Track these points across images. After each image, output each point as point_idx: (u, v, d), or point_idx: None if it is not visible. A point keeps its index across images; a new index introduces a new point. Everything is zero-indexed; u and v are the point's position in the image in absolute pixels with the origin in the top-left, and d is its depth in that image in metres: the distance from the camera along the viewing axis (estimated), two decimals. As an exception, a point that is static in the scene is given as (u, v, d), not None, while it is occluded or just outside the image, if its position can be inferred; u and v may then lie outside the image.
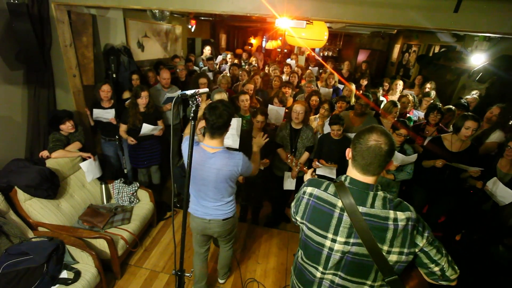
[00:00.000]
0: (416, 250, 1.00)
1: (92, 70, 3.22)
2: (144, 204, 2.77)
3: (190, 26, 6.48)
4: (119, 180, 2.81)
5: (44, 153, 2.46)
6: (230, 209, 1.82)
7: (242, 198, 3.06)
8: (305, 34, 2.69)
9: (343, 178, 1.08)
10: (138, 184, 2.85)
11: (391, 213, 0.98)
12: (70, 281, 1.88)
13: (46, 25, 2.52)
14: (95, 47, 3.37)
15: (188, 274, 1.41)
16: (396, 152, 2.33)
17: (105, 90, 2.84)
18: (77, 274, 1.93)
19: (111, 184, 2.82)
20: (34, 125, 2.75)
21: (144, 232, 2.73)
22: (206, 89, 1.19)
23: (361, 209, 0.99)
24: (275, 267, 2.55)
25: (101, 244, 2.20)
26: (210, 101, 2.03)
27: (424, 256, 1.01)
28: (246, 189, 2.90)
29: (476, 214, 2.41)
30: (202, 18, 6.62)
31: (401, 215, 0.97)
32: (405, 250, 0.98)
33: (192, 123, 1.08)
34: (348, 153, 1.08)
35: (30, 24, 2.30)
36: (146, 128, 2.73)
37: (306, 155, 2.70)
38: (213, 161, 1.61)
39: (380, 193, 1.02)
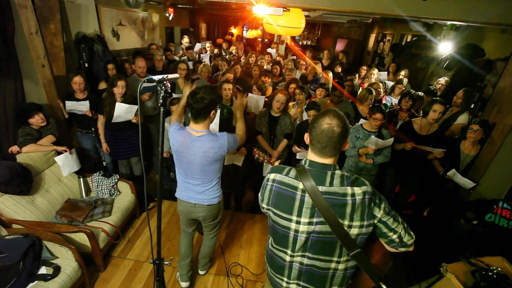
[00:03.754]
0: (375, 221, 1.07)
1: (63, 60, 3.05)
2: (125, 196, 2.74)
3: (167, 14, 6.26)
4: (98, 173, 2.75)
5: (14, 148, 2.35)
6: (215, 195, 1.85)
7: (224, 186, 3.09)
8: (282, 21, 2.70)
9: (303, 162, 1.12)
10: (118, 176, 2.80)
11: (349, 189, 1.03)
12: (49, 277, 1.85)
13: (6, 11, 2.35)
14: (65, 36, 3.19)
15: (167, 262, 1.41)
16: (374, 137, 2.44)
17: (77, 82, 2.72)
18: (57, 269, 1.90)
19: (90, 177, 2.75)
20: (1, 119, 2.59)
21: (127, 223, 2.70)
22: (176, 75, 1.16)
23: (320, 188, 1.03)
24: (258, 250, 2.64)
25: (81, 238, 2.17)
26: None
27: (383, 226, 1.09)
28: (228, 177, 2.93)
29: (441, 192, 2.61)
30: (180, 6, 6.41)
31: (357, 190, 1.02)
32: (365, 223, 1.05)
33: (162, 109, 1.05)
34: (307, 138, 1.12)
35: (-13, 10, 2.15)
36: (120, 108, 2.61)
37: (284, 142, 2.77)
38: (199, 144, 1.63)
39: (338, 172, 1.07)
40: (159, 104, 1.01)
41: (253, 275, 2.39)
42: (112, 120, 2.67)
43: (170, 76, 1.04)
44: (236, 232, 2.85)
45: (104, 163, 3.01)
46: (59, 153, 2.58)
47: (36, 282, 1.82)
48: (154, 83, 1.04)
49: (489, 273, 1.56)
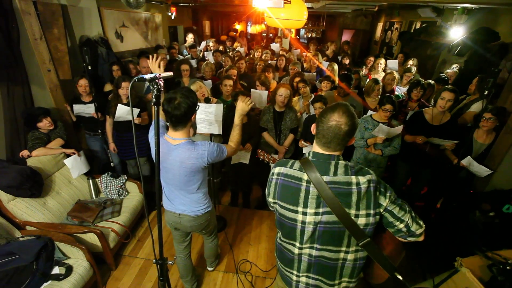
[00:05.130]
0: (381, 210, 1.05)
1: (68, 64, 3.10)
2: (133, 196, 2.78)
3: (170, 14, 6.26)
4: (106, 174, 2.79)
5: (25, 153, 2.40)
6: (200, 206, 1.72)
7: (231, 183, 3.10)
8: (283, 14, 2.63)
9: (307, 154, 1.12)
10: (126, 177, 2.84)
11: (353, 178, 1.02)
12: (62, 276, 1.90)
13: (10, 18, 2.38)
14: (69, 39, 3.23)
15: (170, 262, 1.40)
16: (382, 125, 2.36)
17: (82, 85, 2.76)
18: (69, 269, 1.95)
19: (99, 179, 2.79)
20: (12, 124, 2.66)
21: (136, 223, 2.74)
22: (170, 73, 1.14)
23: (325, 178, 1.03)
24: (267, 247, 2.62)
25: (92, 238, 2.21)
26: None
27: (389, 215, 1.07)
28: (234, 174, 2.93)
29: (454, 182, 2.51)
30: (182, 4, 6.39)
31: (362, 179, 1.02)
32: (371, 212, 1.03)
33: (156, 108, 1.04)
34: (313, 128, 1.12)
35: (-8, 18, 2.19)
36: (121, 110, 2.60)
37: (291, 137, 2.73)
38: (176, 153, 1.52)
39: (342, 162, 1.06)
40: (152, 104, 1.00)
41: (262, 271, 2.38)
42: (114, 119, 2.69)
43: (163, 74, 1.02)
44: (244, 229, 2.84)
45: (112, 164, 3.05)
46: (68, 155, 2.63)
47: (49, 282, 1.87)
48: (152, 82, 1.01)
49: (507, 267, 1.48)
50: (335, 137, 1.03)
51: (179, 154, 1.51)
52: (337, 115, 1.01)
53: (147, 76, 0.98)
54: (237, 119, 1.78)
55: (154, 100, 0.98)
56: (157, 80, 0.97)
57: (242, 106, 1.76)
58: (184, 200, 1.69)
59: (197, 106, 1.49)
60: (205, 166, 1.57)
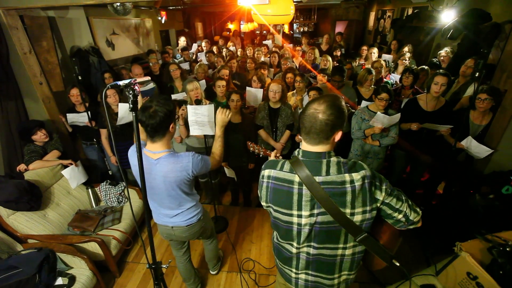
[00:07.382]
0: (378, 204, 1.03)
1: (60, 75, 3.11)
2: (133, 202, 2.78)
3: (160, 18, 6.25)
4: (105, 182, 2.80)
5: (22, 167, 2.42)
6: (192, 216, 1.67)
7: (231, 183, 3.09)
8: (270, 10, 2.62)
9: (296, 153, 1.08)
10: (124, 184, 2.84)
11: (347, 176, 0.99)
12: (65, 287, 1.91)
13: (-2, 33, 2.40)
14: (59, 51, 3.24)
15: (164, 266, 1.38)
16: (380, 113, 2.33)
17: (74, 95, 2.76)
18: (72, 279, 1.96)
19: (98, 187, 2.80)
20: (8, 139, 2.68)
21: (138, 228, 2.75)
22: (148, 78, 1.13)
23: (317, 179, 0.99)
24: (269, 244, 2.62)
25: (94, 247, 2.22)
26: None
27: (387, 208, 1.05)
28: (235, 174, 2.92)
29: (453, 166, 2.49)
30: (171, 8, 6.38)
31: (356, 176, 0.98)
32: (368, 208, 1.01)
33: (133, 114, 1.01)
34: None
35: (-21, 34, 2.20)
36: (123, 108, 2.54)
37: (287, 133, 2.72)
38: (158, 168, 1.43)
39: (334, 159, 1.02)
40: (130, 110, 0.99)
41: (266, 269, 2.38)
42: (117, 123, 2.65)
43: (139, 79, 1.01)
44: (246, 228, 2.85)
45: (110, 172, 3.06)
46: (65, 166, 2.64)
47: (53, 293, 1.88)
48: (127, 88, 1.00)
49: (507, 249, 1.47)
50: (312, 126, 0.98)
51: (161, 168, 1.42)
52: (317, 103, 0.98)
53: (122, 82, 0.97)
54: (218, 131, 1.74)
55: (131, 105, 0.97)
56: (132, 86, 0.96)
57: (221, 118, 1.73)
58: (174, 213, 1.62)
59: (177, 116, 1.44)
60: (189, 179, 1.49)
